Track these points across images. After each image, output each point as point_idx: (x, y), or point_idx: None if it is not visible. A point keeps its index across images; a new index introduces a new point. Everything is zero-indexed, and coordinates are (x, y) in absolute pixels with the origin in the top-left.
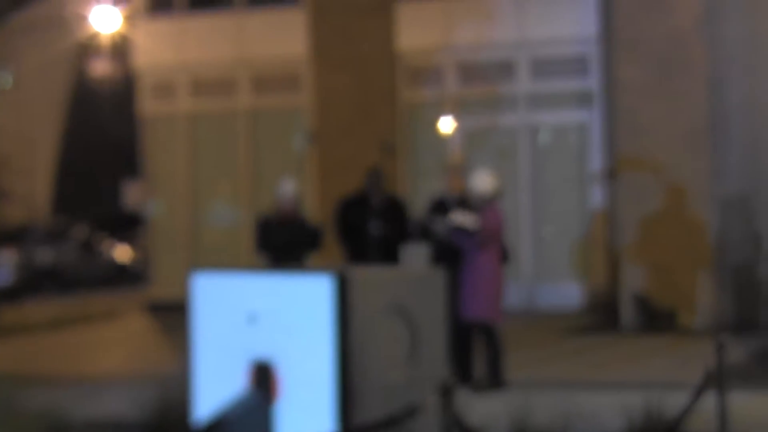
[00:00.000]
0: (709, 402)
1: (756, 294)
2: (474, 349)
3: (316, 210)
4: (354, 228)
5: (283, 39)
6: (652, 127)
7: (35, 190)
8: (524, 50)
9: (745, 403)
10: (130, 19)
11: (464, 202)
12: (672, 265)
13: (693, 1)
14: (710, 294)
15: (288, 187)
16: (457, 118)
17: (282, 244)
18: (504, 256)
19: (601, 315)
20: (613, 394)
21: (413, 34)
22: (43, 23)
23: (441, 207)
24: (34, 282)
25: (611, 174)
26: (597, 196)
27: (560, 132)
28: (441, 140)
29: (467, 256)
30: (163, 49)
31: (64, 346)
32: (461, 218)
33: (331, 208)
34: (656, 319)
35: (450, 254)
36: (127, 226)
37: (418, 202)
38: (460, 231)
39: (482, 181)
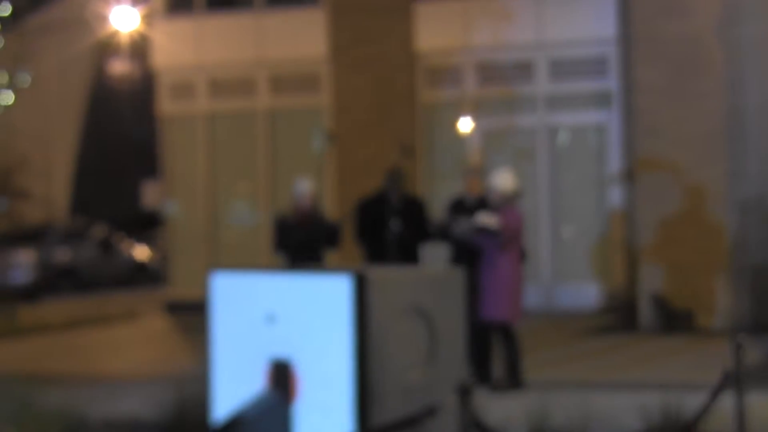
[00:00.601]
0: (726, 402)
1: None
2: (493, 349)
3: (335, 210)
4: (373, 227)
5: (302, 39)
6: (670, 128)
7: (54, 190)
8: (543, 51)
9: (763, 403)
10: (148, 18)
11: (483, 203)
12: (690, 266)
13: (711, 3)
14: (728, 295)
15: (304, 186)
16: (476, 118)
17: (300, 243)
18: (522, 256)
19: (620, 315)
20: (632, 394)
21: (432, 34)
22: (62, 23)
23: (460, 208)
24: (52, 281)
25: (629, 175)
26: (615, 197)
27: (579, 133)
28: (459, 141)
29: (487, 257)
30: (182, 48)
31: (81, 346)
32: (486, 219)
33: (350, 208)
34: (674, 320)
35: (468, 255)
36: (146, 226)
37: (436, 203)
38: (484, 231)
39: (503, 181)
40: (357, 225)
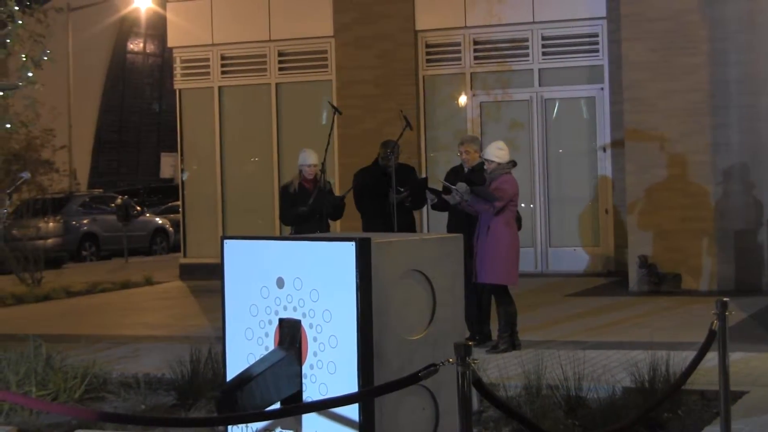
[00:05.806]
0: (711, 360)
1: (757, 258)
2: (490, 311)
3: (341, 183)
4: (371, 195)
5: (309, 18)
6: (657, 101)
7: (77, 161)
8: (537, 29)
9: (745, 360)
10: None
11: (479, 172)
12: (676, 232)
13: None
14: (713, 259)
15: (308, 157)
16: (474, 92)
17: (306, 213)
18: (517, 222)
19: (610, 279)
20: (623, 352)
21: (432, 13)
22: (83, 2)
23: (457, 177)
24: (75, 248)
25: (619, 145)
26: (605, 166)
27: (571, 106)
28: (458, 114)
29: (483, 222)
30: (197, 26)
31: (103, 309)
32: (464, 187)
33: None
34: (662, 283)
35: (463, 222)
36: (164, 195)
37: (438, 172)
38: (478, 196)
39: (498, 151)
40: (355, 193)
